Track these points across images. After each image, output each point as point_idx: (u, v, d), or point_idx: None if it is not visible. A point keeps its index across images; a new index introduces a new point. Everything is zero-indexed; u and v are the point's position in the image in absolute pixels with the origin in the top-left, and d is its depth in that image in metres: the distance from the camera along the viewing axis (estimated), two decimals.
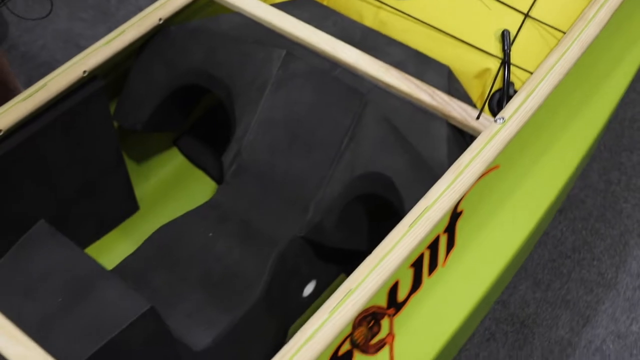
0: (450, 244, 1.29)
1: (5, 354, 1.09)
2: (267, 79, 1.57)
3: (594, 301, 1.81)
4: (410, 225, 1.20)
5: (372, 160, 1.44)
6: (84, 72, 1.51)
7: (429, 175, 1.34)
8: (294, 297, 1.66)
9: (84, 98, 1.55)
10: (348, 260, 1.74)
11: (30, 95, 1.45)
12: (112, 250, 1.73)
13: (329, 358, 1.12)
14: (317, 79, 1.52)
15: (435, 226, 1.23)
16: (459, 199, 1.26)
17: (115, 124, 1.69)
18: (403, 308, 1.23)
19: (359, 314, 1.15)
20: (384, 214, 1.56)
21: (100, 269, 1.20)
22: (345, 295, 1.13)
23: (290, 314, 1.67)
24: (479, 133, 1.35)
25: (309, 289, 1.70)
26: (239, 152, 1.62)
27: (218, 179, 1.94)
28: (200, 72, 1.64)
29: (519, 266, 1.66)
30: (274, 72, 1.56)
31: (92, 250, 1.72)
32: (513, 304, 1.80)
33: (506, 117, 1.34)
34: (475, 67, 1.50)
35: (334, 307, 1.12)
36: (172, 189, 1.93)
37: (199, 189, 1.92)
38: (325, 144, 1.51)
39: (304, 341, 1.09)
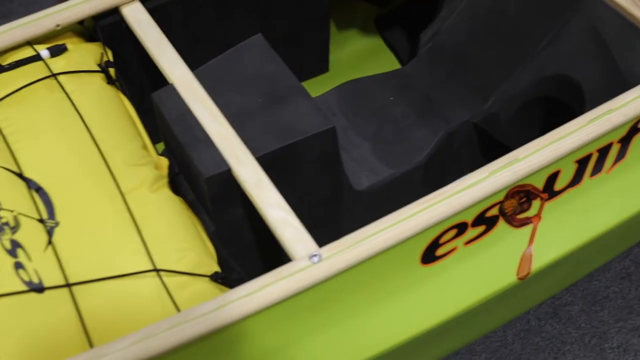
0: (621, 155, 1.32)
1: (207, 129, 1.27)
2: None
3: None
4: (590, 121, 1.24)
5: (566, 65, 1.47)
6: None
7: (621, 86, 1.36)
8: (445, 182, 1.74)
9: None
10: None
11: None
12: None
13: (476, 214, 1.20)
14: None
15: (612, 131, 1.26)
16: None
17: None
18: (557, 197, 1.28)
19: (515, 186, 1.22)
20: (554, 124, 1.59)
21: (299, 85, 1.33)
22: (510, 162, 1.19)
23: None
24: None
25: None
26: (438, 31, 1.69)
27: (405, 62, 2.03)
28: None
29: None
30: None
31: None
32: None
33: None
34: None
35: (496, 170, 1.19)
36: (361, 61, 2.03)
37: (386, 68, 2.02)
38: (523, 40, 1.55)
39: (460, 189, 1.17)
